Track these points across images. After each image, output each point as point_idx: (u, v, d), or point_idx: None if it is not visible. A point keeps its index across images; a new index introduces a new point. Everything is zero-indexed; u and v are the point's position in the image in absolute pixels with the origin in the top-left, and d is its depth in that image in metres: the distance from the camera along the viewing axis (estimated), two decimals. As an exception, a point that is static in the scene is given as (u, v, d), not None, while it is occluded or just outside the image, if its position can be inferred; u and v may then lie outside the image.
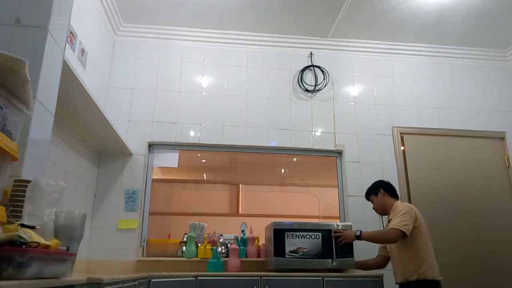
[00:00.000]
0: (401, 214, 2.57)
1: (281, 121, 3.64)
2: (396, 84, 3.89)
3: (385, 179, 2.92)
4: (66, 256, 1.24)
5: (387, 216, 2.77)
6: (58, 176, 2.46)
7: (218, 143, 3.51)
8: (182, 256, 3.17)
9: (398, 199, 2.78)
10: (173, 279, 2.56)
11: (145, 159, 3.40)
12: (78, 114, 2.48)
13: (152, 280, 2.43)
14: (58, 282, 1.12)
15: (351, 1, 3.32)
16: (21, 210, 1.23)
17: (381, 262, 2.86)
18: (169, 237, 3.54)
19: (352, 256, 2.83)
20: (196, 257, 3.14)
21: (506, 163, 3.73)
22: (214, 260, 2.91)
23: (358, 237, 2.71)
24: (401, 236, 2.50)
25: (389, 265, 2.76)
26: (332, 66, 3.87)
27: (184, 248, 3.20)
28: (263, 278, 2.64)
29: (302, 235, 2.86)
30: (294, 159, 4.14)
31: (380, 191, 2.79)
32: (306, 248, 2.83)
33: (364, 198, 2.93)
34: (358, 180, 3.49)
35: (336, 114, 3.72)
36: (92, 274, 1.65)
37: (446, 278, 3.20)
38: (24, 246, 1.00)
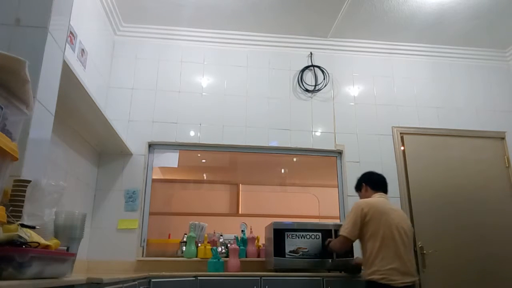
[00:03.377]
0: (346, 217, 2.47)
1: (281, 121, 3.64)
2: (396, 84, 3.89)
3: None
4: (66, 256, 1.24)
5: None
6: (58, 176, 2.46)
7: (218, 143, 3.51)
8: (182, 256, 3.17)
9: (379, 191, 2.55)
10: (173, 279, 2.56)
11: (145, 159, 3.40)
12: (78, 114, 2.48)
13: (152, 280, 2.44)
14: (58, 282, 1.12)
15: (351, 1, 3.32)
16: (21, 210, 1.23)
17: None
18: (169, 237, 3.54)
19: (352, 256, 2.83)
20: (196, 257, 3.14)
21: (506, 163, 3.73)
22: (214, 260, 2.91)
23: (327, 246, 2.71)
24: (346, 241, 2.41)
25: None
26: (332, 66, 3.87)
27: (184, 248, 3.20)
28: (263, 278, 2.64)
29: (302, 235, 2.86)
30: (294, 159, 4.14)
31: (363, 186, 2.65)
32: (306, 248, 2.83)
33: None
34: (358, 180, 3.49)
35: (336, 114, 3.72)
36: (92, 274, 1.65)
37: (446, 277, 3.21)
38: (24, 246, 1.00)
